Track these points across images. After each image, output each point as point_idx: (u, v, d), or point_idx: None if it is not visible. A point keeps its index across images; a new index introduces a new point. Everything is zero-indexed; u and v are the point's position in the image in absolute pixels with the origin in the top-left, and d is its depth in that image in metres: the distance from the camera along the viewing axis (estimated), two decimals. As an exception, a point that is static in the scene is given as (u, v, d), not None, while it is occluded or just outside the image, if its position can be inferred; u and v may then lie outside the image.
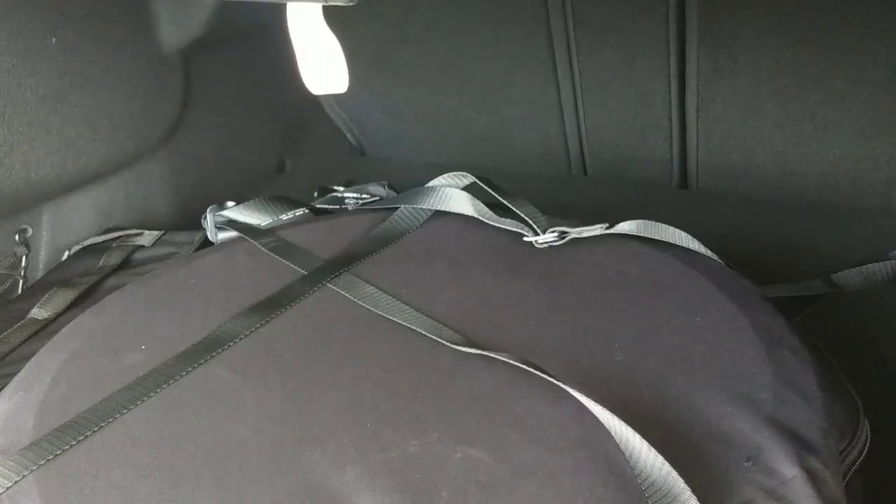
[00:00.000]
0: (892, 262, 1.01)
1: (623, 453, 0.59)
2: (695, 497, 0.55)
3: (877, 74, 1.13)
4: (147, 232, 1.14)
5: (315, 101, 1.56)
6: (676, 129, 1.30)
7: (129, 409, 0.69)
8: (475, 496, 0.58)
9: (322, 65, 0.62)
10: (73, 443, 0.65)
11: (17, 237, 1.14)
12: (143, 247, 1.11)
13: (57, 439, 0.66)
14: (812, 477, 0.59)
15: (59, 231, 1.17)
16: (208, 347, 0.76)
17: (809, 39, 1.13)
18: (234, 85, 1.38)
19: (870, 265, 0.99)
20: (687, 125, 1.29)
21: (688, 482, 0.55)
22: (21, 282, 1.15)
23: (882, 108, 1.17)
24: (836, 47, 1.12)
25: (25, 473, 0.63)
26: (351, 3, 0.52)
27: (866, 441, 0.68)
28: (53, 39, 1.04)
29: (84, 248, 1.12)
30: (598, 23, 1.25)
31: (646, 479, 0.56)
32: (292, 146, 1.52)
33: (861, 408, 0.71)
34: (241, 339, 0.78)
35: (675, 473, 0.55)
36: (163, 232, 1.14)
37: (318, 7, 0.61)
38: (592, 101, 1.33)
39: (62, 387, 0.73)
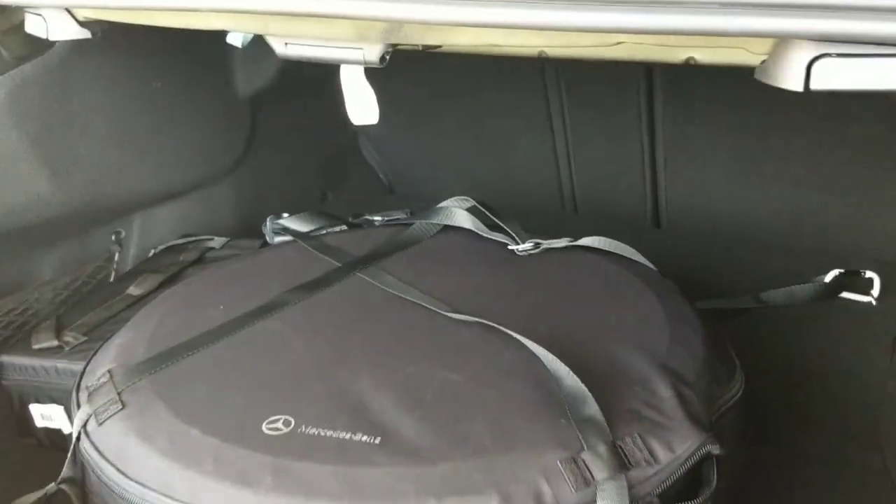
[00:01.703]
0: (814, 284, 1.28)
1: (552, 375, 0.86)
2: (595, 402, 0.82)
3: (806, 138, 1.41)
4: (217, 238, 1.43)
5: (355, 146, 1.86)
6: (649, 178, 1.58)
7: (212, 344, 0.97)
8: (450, 398, 0.85)
9: (360, 105, 0.88)
10: (174, 361, 0.94)
11: (113, 237, 1.44)
12: (213, 248, 1.40)
13: (162, 359, 0.94)
14: (681, 399, 0.85)
15: (146, 235, 1.47)
16: (268, 309, 1.05)
17: (751, 108, 1.41)
18: (290, 128, 1.69)
19: (793, 287, 1.27)
20: (657, 174, 1.57)
21: (593, 395, 0.82)
22: (113, 273, 1.45)
23: (813, 165, 1.44)
24: (773, 114, 1.40)
25: (141, 377, 0.91)
26: (382, 66, 0.81)
27: (739, 390, 0.94)
28: (159, 84, 1.36)
29: (167, 248, 1.42)
30: (585, 92, 1.54)
31: (564, 388, 0.83)
32: (334, 181, 1.82)
33: (739, 368, 0.97)
34: (291, 305, 1.06)
35: (583, 386, 0.83)
36: (228, 238, 1.44)
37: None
38: (580, 154, 1.62)
39: (164, 328, 1.02)
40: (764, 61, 0.72)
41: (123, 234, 1.45)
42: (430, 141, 1.77)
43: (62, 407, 1.11)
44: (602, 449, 0.78)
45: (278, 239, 1.32)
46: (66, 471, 0.87)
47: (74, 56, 1.20)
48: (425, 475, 0.76)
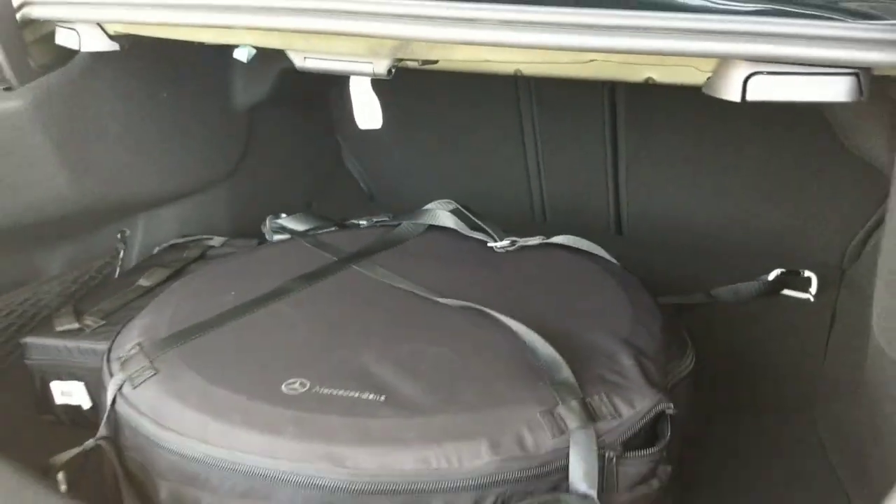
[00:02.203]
0: (758, 283, 1.44)
1: (530, 347, 1.00)
2: (568, 367, 0.95)
3: (753, 152, 1.57)
4: (216, 237, 1.55)
5: (338, 157, 1.99)
6: (612, 189, 1.73)
7: (228, 323, 1.09)
8: (443, 367, 0.98)
9: (367, 112, 1.00)
10: (196, 336, 1.06)
11: (119, 236, 1.55)
12: (213, 247, 1.52)
13: (185, 334, 1.06)
14: (641, 368, 0.99)
15: (149, 234, 1.58)
16: (273, 295, 1.17)
17: (702, 125, 1.57)
18: (280, 139, 1.81)
19: (740, 285, 1.43)
20: (619, 186, 1.72)
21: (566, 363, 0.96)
22: (118, 269, 1.56)
23: (759, 177, 1.60)
24: (722, 130, 1.56)
25: (169, 349, 1.03)
26: (389, 77, 0.95)
27: (690, 364, 1.09)
28: (165, 94, 1.48)
29: (170, 246, 1.53)
30: (555, 111, 1.69)
31: (540, 357, 0.97)
32: (319, 190, 1.95)
33: (690, 346, 1.12)
34: (295, 292, 1.19)
35: (557, 354, 0.96)
36: (227, 238, 1.56)
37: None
38: (550, 167, 1.76)
39: (182, 310, 1.13)
40: (709, 78, 0.87)
41: (128, 233, 1.56)
42: (409, 153, 1.91)
43: (82, 383, 1.22)
44: (574, 404, 0.91)
45: (277, 237, 1.45)
46: (102, 430, 0.98)
47: (93, 67, 1.32)
48: (425, 425, 0.89)
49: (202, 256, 1.49)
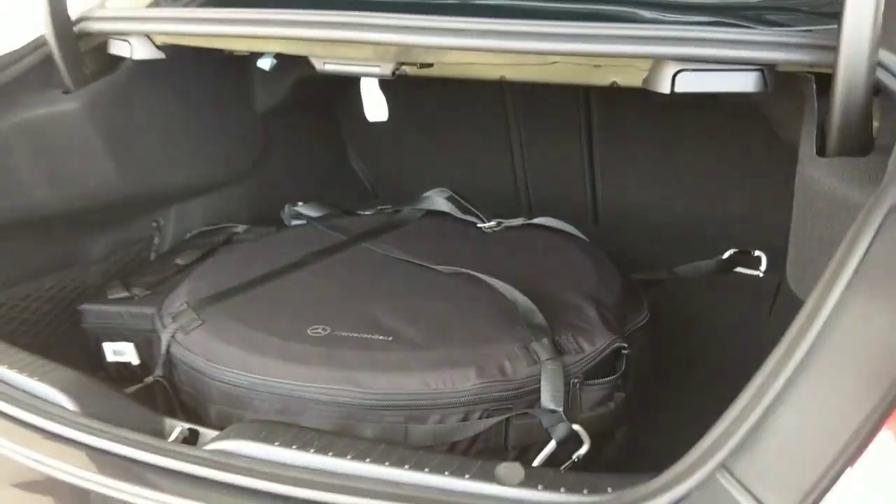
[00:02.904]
0: (714, 261, 1.65)
1: (510, 301, 1.21)
2: (541, 314, 1.17)
3: (712, 148, 1.79)
4: (239, 225, 1.76)
5: (344, 157, 2.21)
6: (588, 183, 1.95)
7: (259, 286, 1.31)
8: (439, 316, 1.20)
9: (375, 107, 1.20)
10: (233, 296, 1.27)
11: (154, 224, 1.76)
12: (237, 233, 1.73)
13: (224, 294, 1.28)
14: (602, 316, 1.21)
15: (180, 223, 1.79)
16: (295, 266, 1.39)
17: (666, 125, 1.79)
18: (293, 140, 2.03)
19: (698, 262, 1.64)
20: (595, 180, 1.94)
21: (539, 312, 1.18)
22: (153, 253, 1.77)
23: (716, 170, 1.82)
24: (684, 129, 1.78)
25: (212, 305, 1.24)
26: (393, 78, 1.16)
27: (645, 317, 1.30)
28: (190, 99, 1.69)
29: (200, 232, 1.74)
30: (537, 117, 1.90)
31: (519, 307, 1.19)
32: (326, 186, 2.16)
33: (645, 304, 1.33)
34: (313, 263, 1.40)
35: (532, 304, 1.18)
36: (248, 226, 1.77)
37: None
38: (533, 165, 1.98)
39: (219, 278, 1.35)
40: (646, 76, 1.09)
41: (162, 222, 1.77)
42: (407, 153, 2.13)
43: (132, 343, 1.42)
44: (545, 341, 1.13)
45: (295, 222, 1.66)
46: (158, 370, 1.19)
47: (136, 74, 1.53)
48: (425, 356, 1.11)
49: (228, 241, 1.70)
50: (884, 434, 0.68)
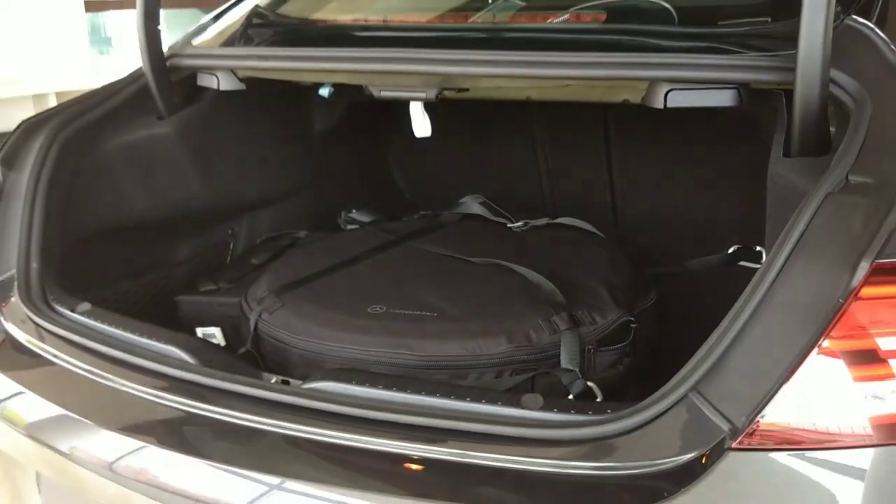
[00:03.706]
0: (720, 255, 1.87)
1: (535, 284, 1.45)
2: (561, 294, 1.41)
3: (715, 158, 2.02)
4: (300, 231, 2.03)
5: (388, 172, 2.47)
6: (607, 187, 2.18)
7: (325, 276, 1.56)
8: (476, 298, 1.44)
9: (421, 125, 1.44)
10: (304, 284, 1.53)
11: (229, 231, 2.03)
12: (300, 237, 1.99)
13: (298, 283, 1.53)
14: (613, 296, 1.44)
15: (251, 231, 2.06)
16: (354, 260, 1.64)
17: (679, 139, 2.02)
18: (345, 157, 2.30)
19: (706, 257, 1.87)
20: (613, 184, 2.17)
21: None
22: (229, 256, 2.04)
23: (720, 178, 2.04)
24: (690, 144, 2.01)
25: (290, 291, 1.50)
26: (437, 101, 1.41)
27: (652, 299, 1.53)
28: (259, 124, 1.96)
29: (268, 238, 2.01)
30: (559, 128, 2.15)
31: (542, 289, 1.43)
32: (373, 197, 2.42)
33: (653, 290, 1.56)
34: (368, 259, 1.65)
35: (554, 287, 1.42)
36: (308, 232, 2.03)
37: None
38: (556, 171, 2.22)
39: (292, 272, 1.60)
40: (644, 95, 1.33)
41: (236, 230, 2.04)
42: (443, 169, 2.38)
43: (219, 328, 1.68)
44: (564, 315, 1.36)
45: (349, 226, 1.93)
46: (248, 343, 1.45)
47: (217, 103, 1.81)
48: (465, 327, 1.35)
49: (292, 244, 1.96)
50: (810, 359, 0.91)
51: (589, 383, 1.29)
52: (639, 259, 1.73)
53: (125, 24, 7.59)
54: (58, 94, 6.52)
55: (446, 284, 1.51)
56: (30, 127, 1.58)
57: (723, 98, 1.27)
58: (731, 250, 1.88)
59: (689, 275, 1.87)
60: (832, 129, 1.21)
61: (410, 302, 1.44)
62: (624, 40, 1.47)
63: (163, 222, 1.82)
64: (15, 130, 1.59)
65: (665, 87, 1.28)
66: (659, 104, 1.29)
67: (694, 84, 1.27)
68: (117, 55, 7.73)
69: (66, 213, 1.57)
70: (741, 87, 1.27)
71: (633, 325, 1.41)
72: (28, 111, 6.64)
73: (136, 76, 1.73)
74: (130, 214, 1.75)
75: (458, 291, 1.48)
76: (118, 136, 1.68)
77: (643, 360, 1.45)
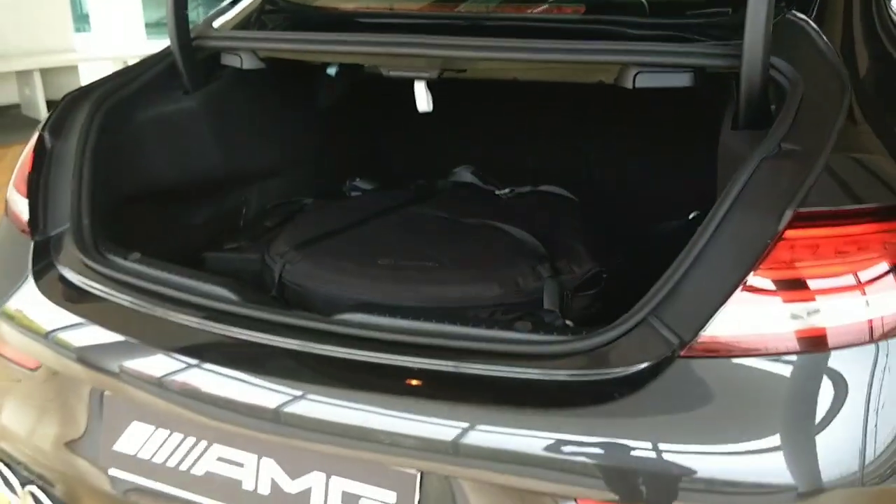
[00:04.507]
0: (681, 221, 2.11)
1: (520, 240, 1.69)
2: (544, 248, 1.64)
3: (678, 139, 2.25)
4: (307, 199, 2.24)
5: (385, 145, 2.69)
6: (584, 163, 2.42)
7: (334, 236, 1.78)
8: (469, 250, 1.67)
9: (424, 101, 1.66)
10: (319, 241, 1.75)
11: (242, 199, 2.24)
12: (307, 204, 2.21)
13: (314, 240, 1.75)
14: (588, 252, 1.68)
15: (261, 198, 2.27)
16: (361, 222, 1.86)
17: (652, 118, 2.25)
18: (346, 132, 2.51)
19: (668, 223, 2.11)
20: (589, 156, 2.40)
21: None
22: (241, 221, 2.24)
23: (684, 155, 2.28)
24: (655, 125, 2.24)
25: (307, 247, 1.72)
26: (437, 79, 1.63)
27: (622, 256, 1.77)
28: (270, 99, 2.17)
29: (277, 204, 2.22)
30: (544, 115, 2.36)
31: (527, 243, 1.67)
32: (371, 169, 2.64)
33: (623, 253, 1.80)
34: (373, 220, 1.88)
35: (537, 241, 1.66)
36: (313, 199, 2.24)
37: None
38: (539, 144, 2.44)
39: (305, 231, 1.82)
40: (616, 76, 1.56)
41: (248, 196, 2.25)
42: (435, 142, 2.61)
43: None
44: (547, 265, 1.60)
45: (353, 193, 2.15)
46: (274, 291, 1.67)
47: (237, 80, 2.01)
48: (461, 275, 1.58)
49: (300, 210, 2.18)
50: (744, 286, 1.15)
51: (567, 322, 1.53)
52: (610, 223, 1.97)
53: (101, 1, 7.72)
54: (42, 71, 6.68)
55: (444, 241, 1.74)
56: (73, 100, 1.78)
57: (682, 80, 1.50)
58: (691, 216, 2.13)
59: (654, 237, 2.11)
60: (773, 107, 1.45)
61: (414, 255, 1.67)
62: (600, 29, 1.70)
63: (185, 188, 2.03)
64: (60, 103, 1.78)
65: (634, 71, 1.51)
66: (629, 84, 1.52)
67: (658, 68, 1.50)
68: (96, 32, 7.84)
69: (107, 178, 1.77)
70: (697, 71, 1.51)
71: (604, 276, 1.65)
72: (13, 88, 6.78)
73: (163, 55, 1.93)
74: (158, 180, 1.95)
75: (455, 246, 1.71)
76: (150, 108, 1.88)
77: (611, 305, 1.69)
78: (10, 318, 1.55)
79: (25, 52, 6.72)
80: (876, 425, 1.14)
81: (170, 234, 2.05)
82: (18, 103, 6.92)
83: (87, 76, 7.27)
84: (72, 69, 7.08)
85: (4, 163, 5.50)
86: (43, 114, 6.57)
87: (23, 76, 6.76)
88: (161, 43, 1.97)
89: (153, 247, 1.98)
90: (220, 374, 1.31)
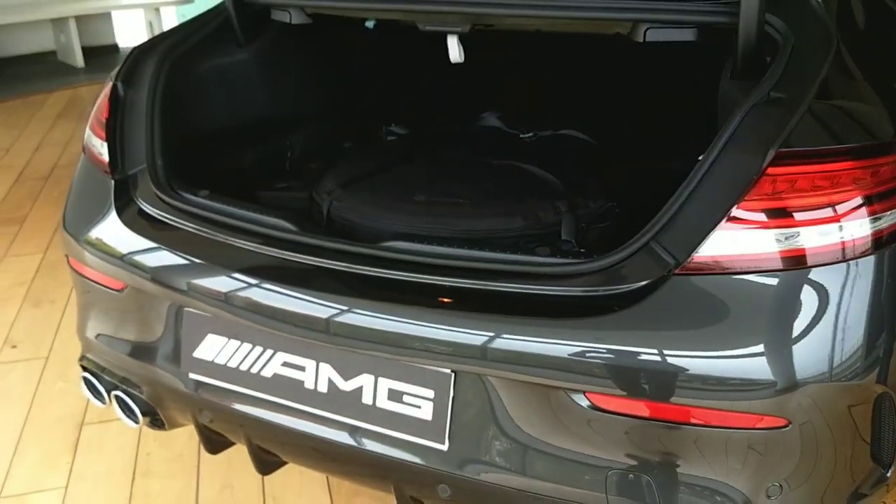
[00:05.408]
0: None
1: (542, 179, 1.89)
2: (562, 186, 1.85)
3: (684, 95, 2.42)
4: (346, 143, 2.44)
5: (415, 93, 2.87)
6: (601, 110, 2.60)
7: (374, 176, 1.99)
8: (494, 188, 1.88)
9: (457, 53, 1.88)
10: (361, 180, 1.96)
11: (287, 143, 2.44)
12: (346, 147, 2.41)
13: (359, 178, 1.96)
14: (602, 189, 1.88)
15: (304, 142, 2.46)
16: (398, 162, 2.07)
17: (654, 78, 2.41)
18: (378, 81, 2.69)
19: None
20: (607, 108, 2.58)
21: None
22: (287, 164, 2.45)
23: (684, 116, 2.45)
24: (656, 89, 2.41)
25: (352, 185, 1.93)
26: (468, 33, 1.82)
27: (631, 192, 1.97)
28: (310, 51, 2.36)
29: (318, 147, 2.43)
30: (566, 66, 2.55)
31: (548, 182, 1.87)
32: (402, 116, 2.84)
33: (632, 183, 2.00)
34: (409, 161, 2.08)
35: (556, 180, 1.87)
36: (351, 143, 2.45)
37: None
38: (558, 90, 2.63)
39: (350, 171, 2.03)
40: (629, 31, 1.74)
41: (292, 141, 2.46)
42: (454, 96, 2.78)
43: (290, 216, 2.12)
44: (565, 202, 1.80)
45: (389, 138, 2.35)
46: (323, 222, 1.88)
47: (282, 34, 2.21)
48: (488, 209, 1.79)
49: (342, 153, 2.38)
50: (732, 213, 1.35)
51: (582, 251, 1.74)
52: (624, 163, 2.16)
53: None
54: (76, 19, 6.87)
55: (473, 180, 1.95)
56: (141, 53, 1.98)
57: (687, 35, 1.68)
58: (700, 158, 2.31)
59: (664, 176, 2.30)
60: (768, 59, 1.62)
61: (446, 191, 1.88)
62: None
63: (239, 133, 2.24)
64: (129, 55, 1.99)
65: (644, 26, 1.69)
66: (640, 39, 1.70)
67: (666, 24, 1.68)
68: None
69: (173, 124, 1.98)
70: (700, 27, 1.68)
71: (616, 211, 1.85)
72: (48, 35, 6.98)
73: (219, 11, 2.13)
74: (215, 126, 2.16)
75: (482, 184, 1.91)
76: (209, 61, 2.09)
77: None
78: (96, 246, 1.78)
79: (61, -1, 6.91)
80: (844, 333, 1.35)
81: (224, 174, 2.27)
82: (55, 50, 7.12)
83: (120, 23, 7.45)
84: (105, 16, 7.26)
85: (45, 108, 5.76)
86: (79, 60, 6.78)
87: (58, 23, 6.95)
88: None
89: (209, 187, 2.22)
90: (283, 293, 1.53)
